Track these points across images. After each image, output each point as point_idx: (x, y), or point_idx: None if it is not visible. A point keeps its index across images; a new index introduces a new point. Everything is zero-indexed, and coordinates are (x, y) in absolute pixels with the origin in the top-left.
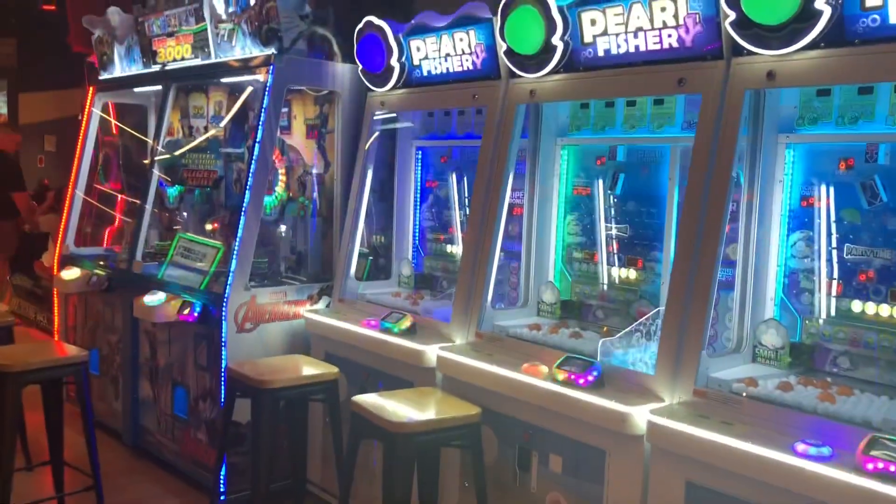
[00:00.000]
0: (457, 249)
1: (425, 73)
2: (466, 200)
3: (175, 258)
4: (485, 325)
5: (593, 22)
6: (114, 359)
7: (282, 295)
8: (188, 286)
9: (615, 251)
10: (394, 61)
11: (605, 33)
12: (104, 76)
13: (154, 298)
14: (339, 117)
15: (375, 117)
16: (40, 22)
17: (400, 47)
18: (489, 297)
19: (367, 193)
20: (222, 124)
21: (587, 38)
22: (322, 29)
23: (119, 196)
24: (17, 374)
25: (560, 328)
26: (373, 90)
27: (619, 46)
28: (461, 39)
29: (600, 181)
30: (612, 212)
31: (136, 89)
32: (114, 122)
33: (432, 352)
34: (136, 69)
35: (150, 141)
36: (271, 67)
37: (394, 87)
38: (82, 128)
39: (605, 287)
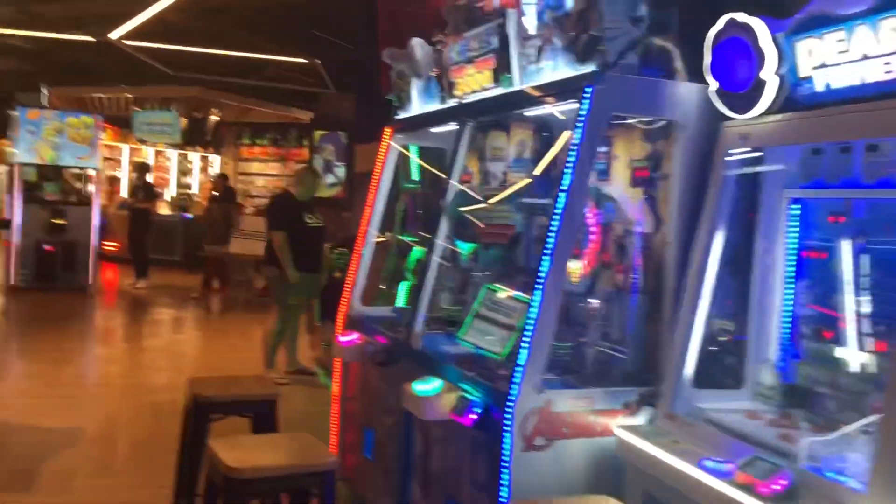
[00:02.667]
0: (851, 354)
1: (820, 89)
2: (870, 281)
3: (481, 311)
4: None
5: None
6: (387, 445)
7: (588, 401)
8: (477, 374)
9: None
10: (767, 73)
11: None
12: (401, 115)
13: (426, 388)
14: (680, 157)
15: (731, 157)
16: (377, 76)
17: (779, 53)
18: None
19: (713, 264)
20: (537, 171)
21: None
22: (660, 38)
23: (413, 249)
24: (243, 482)
25: None
26: (731, 118)
27: None
28: (894, 28)
29: None
30: None
31: (432, 129)
32: (412, 165)
33: None
34: (434, 105)
35: (444, 188)
36: (589, 90)
37: (765, 113)
38: (377, 172)
39: None
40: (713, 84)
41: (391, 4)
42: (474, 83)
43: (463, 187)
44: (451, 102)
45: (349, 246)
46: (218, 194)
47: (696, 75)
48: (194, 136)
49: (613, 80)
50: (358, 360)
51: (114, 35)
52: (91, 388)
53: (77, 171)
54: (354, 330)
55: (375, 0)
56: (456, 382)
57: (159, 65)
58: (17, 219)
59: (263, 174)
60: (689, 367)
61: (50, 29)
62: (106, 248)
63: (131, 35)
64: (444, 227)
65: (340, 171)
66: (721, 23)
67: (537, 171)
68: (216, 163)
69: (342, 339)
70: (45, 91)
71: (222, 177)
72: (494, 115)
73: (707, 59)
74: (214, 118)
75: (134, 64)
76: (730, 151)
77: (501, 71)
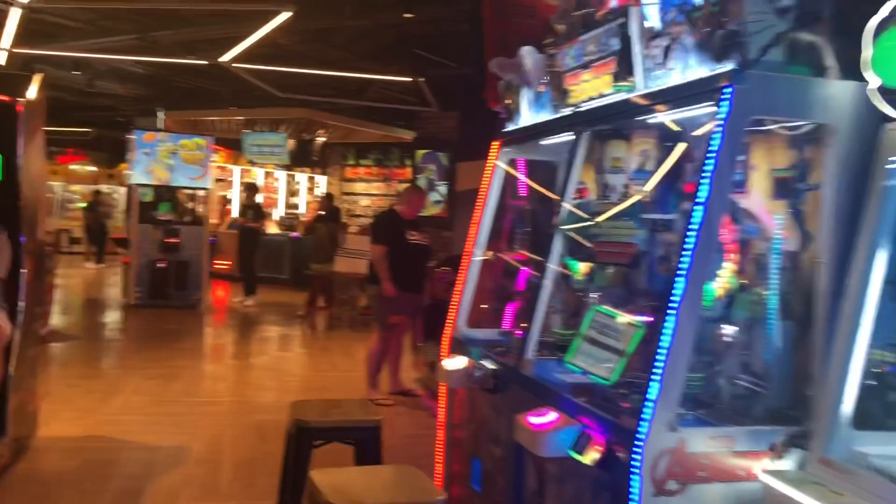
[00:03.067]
0: None
1: None
2: None
3: (589, 334)
4: None
5: None
6: (496, 478)
7: (727, 441)
8: (596, 406)
9: None
10: None
11: None
12: (509, 128)
13: (542, 420)
14: (832, 165)
15: (895, 164)
16: (482, 91)
17: None
18: None
19: (875, 286)
20: (648, 186)
21: None
22: (809, 31)
23: (521, 269)
24: None
25: None
26: (894, 119)
27: None
28: None
29: None
30: None
31: (543, 141)
32: (520, 180)
33: None
34: (546, 116)
35: (557, 204)
36: (728, 91)
37: None
38: (484, 188)
39: None
40: (874, 81)
41: (498, 17)
42: (591, 89)
43: (576, 202)
44: (565, 111)
45: (452, 265)
46: (324, 213)
47: (850, 72)
48: (302, 157)
49: (756, 80)
50: (464, 386)
51: (224, 58)
52: (197, 406)
53: (189, 191)
54: (460, 353)
55: (481, 13)
56: (573, 415)
57: (268, 87)
58: (134, 238)
59: (367, 194)
60: (847, 404)
61: (165, 54)
62: (216, 266)
63: (241, 58)
64: (556, 245)
65: (443, 189)
66: (886, 10)
67: (648, 186)
68: (322, 183)
69: (447, 362)
70: (160, 115)
71: (328, 196)
72: (614, 122)
73: (867, 52)
74: (321, 139)
75: (244, 86)
76: (892, 158)
77: (622, 75)
